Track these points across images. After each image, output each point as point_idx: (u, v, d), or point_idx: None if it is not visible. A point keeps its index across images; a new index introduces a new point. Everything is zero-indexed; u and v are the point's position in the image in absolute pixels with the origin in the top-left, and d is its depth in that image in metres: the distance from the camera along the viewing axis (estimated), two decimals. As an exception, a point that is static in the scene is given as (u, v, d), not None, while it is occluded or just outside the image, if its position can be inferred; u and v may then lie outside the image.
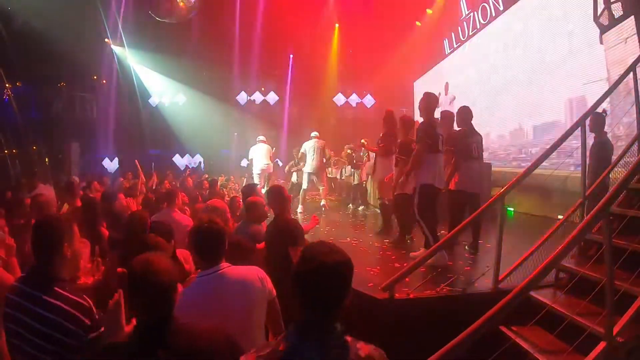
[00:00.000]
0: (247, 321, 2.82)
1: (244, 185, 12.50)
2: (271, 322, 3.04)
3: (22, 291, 2.35)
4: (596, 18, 8.44)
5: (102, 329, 2.34)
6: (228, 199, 9.17)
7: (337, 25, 19.36)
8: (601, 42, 8.52)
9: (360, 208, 12.40)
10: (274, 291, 3.02)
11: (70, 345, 2.22)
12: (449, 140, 6.95)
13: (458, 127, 7.38)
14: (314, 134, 12.22)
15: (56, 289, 2.31)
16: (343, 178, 14.37)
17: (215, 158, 22.01)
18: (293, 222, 4.80)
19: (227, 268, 2.85)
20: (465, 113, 7.30)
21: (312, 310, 1.84)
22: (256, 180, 12.34)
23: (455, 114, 7.63)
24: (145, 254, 2.15)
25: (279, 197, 4.96)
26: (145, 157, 18.58)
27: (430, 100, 6.62)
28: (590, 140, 6.43)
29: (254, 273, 2.93)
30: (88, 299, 2.35)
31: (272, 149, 13.11)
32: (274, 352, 1.81)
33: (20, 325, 2.29)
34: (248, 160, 13.21)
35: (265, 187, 11.84)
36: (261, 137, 12.98)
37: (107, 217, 5.56)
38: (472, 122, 7.30)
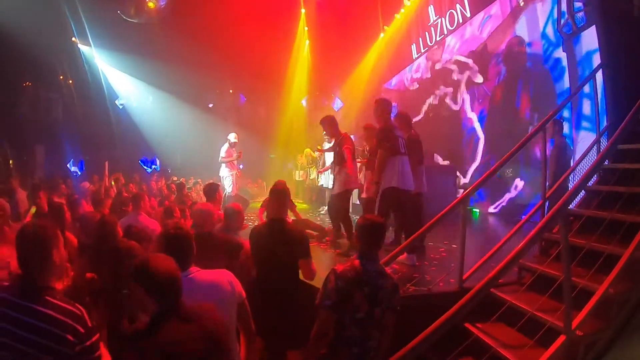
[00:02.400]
0: (222, 315, 2.82)
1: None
2: (242, 323, 3.09)
3: (9, 302, 2.25)
4: (559, 27, 8.69)
5: (97, 336, 2.32)
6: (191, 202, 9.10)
7: (306, 28, 19.43)
8: (564, 50, 8.80)
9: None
10: (244, 293, 3.07)
11: (64, 353, 2.16)
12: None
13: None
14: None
15: (47, 297, 2.25)
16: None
17: (183, 160, 21.84)
18: (302, 233, 4.44)
19: (197, 272, 2.89)
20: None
21: (369, 245, 3.49)
22: (225, 185, 11.81)
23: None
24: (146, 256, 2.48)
25: (283, 197, 4.41)
26: (112, 160, 18.37)
27: (383, 106, 6.78)
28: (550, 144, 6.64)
29: (223, 276, 2.98)
30: (80, 307, 2.30)
31: (231, 148, 12.10)
32: (354, 266, 3.38)
33: (8, 337, 2.18)
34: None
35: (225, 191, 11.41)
36: (229, 135, 12.19)
37: (76, 221, 5.53)
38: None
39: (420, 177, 7.17)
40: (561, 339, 3.62)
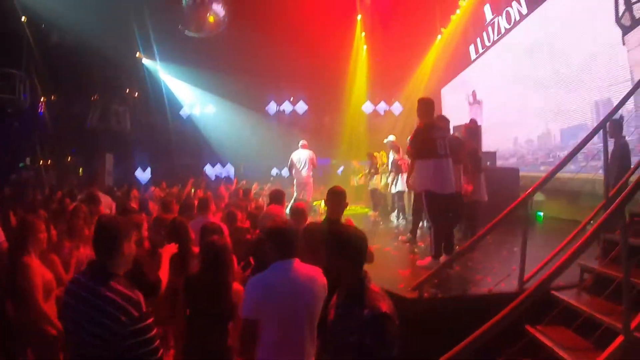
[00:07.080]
0: (310, 308, 3.17)
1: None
2: None
3: (81, 282, 2.66)
4: (618, 19, 8.49)
5: (150, 320, 2.64)
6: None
7: (363, 34, 19.52)
8: (624, 44, 8.58)
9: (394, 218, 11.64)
10: None
11: (116, 331, 2.51)
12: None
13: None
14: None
15: (112, 283, 2.60)
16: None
17: (246, 167, 22.26)
18: (360, 233, 4.47)
19: (298, 263, 3.24)
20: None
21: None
22: (296, 192, 11.58)
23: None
24: None
25: (341, 199, 4.50)
26: (177, 168, 19.09)
27: (421, 105, 6.51)
28: (611, 144, 6.50)
29: (319, 272, 3.28)
30: (139, 294, 2.64)
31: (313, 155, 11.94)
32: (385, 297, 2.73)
33: (73, 311, 2.62)
34: (288, 169, 12.16)
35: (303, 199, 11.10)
36: (303, 142, 12.05)
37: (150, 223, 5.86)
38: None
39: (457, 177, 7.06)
40: (619, 339, 3.56)
